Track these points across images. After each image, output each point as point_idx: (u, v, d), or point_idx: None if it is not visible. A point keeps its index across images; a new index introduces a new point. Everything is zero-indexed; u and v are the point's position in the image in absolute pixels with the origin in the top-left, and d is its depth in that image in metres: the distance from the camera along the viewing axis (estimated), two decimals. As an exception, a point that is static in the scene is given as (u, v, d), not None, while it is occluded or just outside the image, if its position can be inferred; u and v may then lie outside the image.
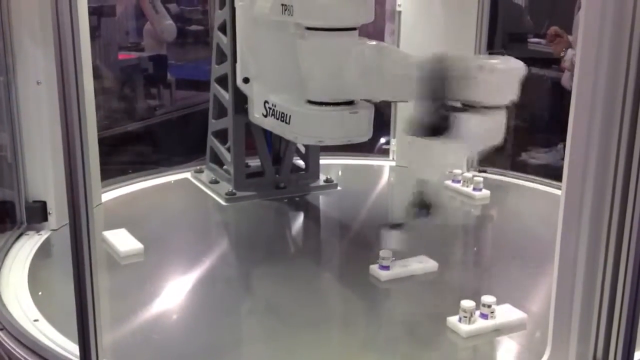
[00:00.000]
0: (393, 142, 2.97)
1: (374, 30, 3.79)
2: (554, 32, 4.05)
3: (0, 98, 2.11)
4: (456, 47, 2.64)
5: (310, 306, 1.83)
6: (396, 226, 1.99)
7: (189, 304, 1.87)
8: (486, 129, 1.86)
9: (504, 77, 1.81)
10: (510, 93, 1.80)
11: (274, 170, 2.57)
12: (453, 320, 1.66)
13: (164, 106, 5.37)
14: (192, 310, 1.84)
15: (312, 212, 2.54)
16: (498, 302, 1.72)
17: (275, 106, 2.22)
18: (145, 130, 4.95)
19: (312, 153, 2.63)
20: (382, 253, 1.91)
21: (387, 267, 1.90)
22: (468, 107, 1.84)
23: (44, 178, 2.17)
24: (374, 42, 2.07)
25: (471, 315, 1.64)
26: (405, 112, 2.85)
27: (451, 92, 1.72)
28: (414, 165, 1.82)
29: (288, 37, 2.15)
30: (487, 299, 1.67)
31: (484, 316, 1.66)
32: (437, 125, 1.71)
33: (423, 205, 1.96)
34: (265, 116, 2.29)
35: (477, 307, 1.66)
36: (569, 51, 3.91)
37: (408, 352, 1.65)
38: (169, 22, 5.46)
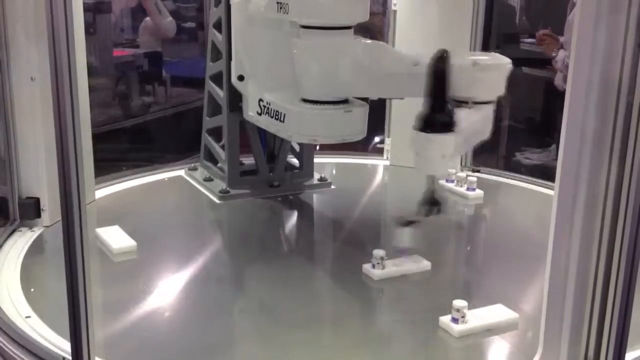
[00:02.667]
0: (387, 141, 2.98)
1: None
2: (542, 35, 4.06)
3: (-6, 94, 2.11)
4: (451, 46, 2.64)
5: (303, 305, 1.83)
6: (408, 223, 1.99)
7: (181, 301, 1.87)
8: (479, 124, 1.89)
9: (495, 73, 1.88)
10: (499, 89, 1.89)
11: (268, 168, 2.57)
12: (445, 319, 1.66)
13: (159, 103, 5.36)
14: (185, 308, 1.84)
15: (305, 211, 2.54)
16: (490, 302, 1.73)
17: (269, 104, 2.22)
18: (139, 128, 4.95)
19: (307, 152, 2.63)
20: (375, 252, 1.91)
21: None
22: (460, 103, 1.88)
23: (37, 174, 2.16)
24: (369, 41, 2.08)
25: (464, 316, 1.65)
26: (400, 112, 2.86)
27: (453, 88, 1.76)
28: (420, 163, 1.85)
29: (283, 35, 2.15)
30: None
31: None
32: (444, 121, 1.74)
33: (434, 203, 1.96)
34: (260, 114, 2.28)
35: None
36: (560, 52, 3.92)
37: (400, 351, 1.66)
38: (170, 19, 5.49)
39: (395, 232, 2.18)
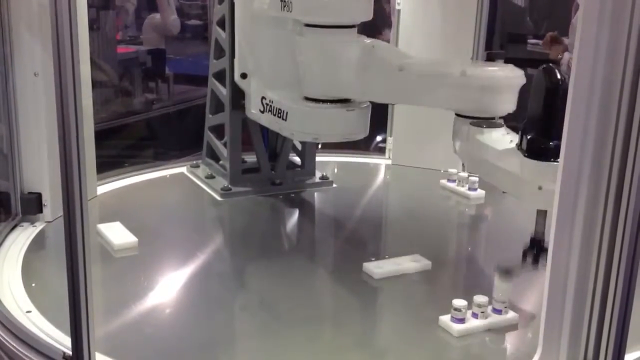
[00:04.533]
0: (389, 140, 2.98)
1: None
2: (549, 39, 4.07)
3: (-3, 89, 2.11)
4: (455, 46, 2.64)
5: (304, 303, 1.83)
6: (509, 272, 1.73)
7: (182, 298, 1.87)
8: None
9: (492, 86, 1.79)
10: (505, 104, 1.80)
11: (270, 166, 2.57)
12: (445, 319, 1.66)
13: (162, 100, 5.36)
14: (186, 305, 1.84)
15: (307, 209, 2.55)
16: (490, 302, 1.73)
17: (272, 102, 2.22)
18: (142, 124, 4.95)
19: (309, 150, 2.63)
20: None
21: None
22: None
23: (39, 170, 2.17)
24: (369, 40, 2.07)
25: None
26: (402, 110, 2.86)
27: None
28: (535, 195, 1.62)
29: (286, 33, 2.15)
30: (479, 298, 1.68)
31: (475, 315, 1.67)
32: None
33: (539, 247, 1.73)
34: (262, 112, 2.29)
35: (470, 307, 1.67)
36: (565, 54, 3.93)
37: (400, 350, 1.66)
38: (175, 16, 5.51)
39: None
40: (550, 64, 1.60)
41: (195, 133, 2.89)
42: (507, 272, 1.70)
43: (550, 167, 1.53)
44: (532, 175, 1.60)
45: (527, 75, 1.81)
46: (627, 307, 1.27)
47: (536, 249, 1.75)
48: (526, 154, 1.60)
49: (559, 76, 1.56)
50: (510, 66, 1.81)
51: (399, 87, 1.93)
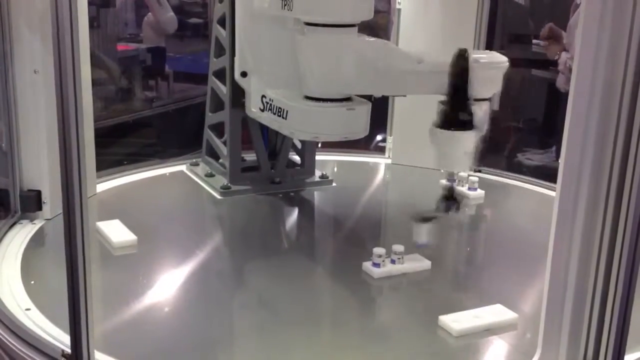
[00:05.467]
0: (389, 139, 2.97)
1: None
2: (548, 30, 4.06)
3: (-3, 86, 2.11)
4: (455, 46, 2.64)
5: (303, 302, 1.83)
6: (426, 219, 1.99)
7: (181, 296, 1.87)
8: (480, 121, 1.92)
9: (493, 71, 1.98)
10: (497, 86, 1.99)
11: (270, 165, 2.57)
12: (444, 319, 1.66)
13: (161, 98, 5.36)
14: (185, 303, 1.84)
15: (306, 208, 2.55)
16: (490, 302, 1.73)
17: (272, 101, 2.22)
18: (142, 122, 4.95)
19: (308, 149, 2.63)
20: (375, 250, 1.91)
21: (379, 265, 1.91)
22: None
23: (39, 167, 2.17)
24: (372, 39, 2.08)
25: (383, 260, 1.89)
26: (402, 110, 2.86)
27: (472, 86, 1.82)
28: (442, 160, 1.94)
29: (287, 32, 2.15)
30: (397, 247, 1.91)
31: (393, 262, 1.90)
32: (466, 119, 1.82)
33: (453, 199, 1.99)
34: (263, 111, 2.29)
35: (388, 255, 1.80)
36: (563, 54, 3.92)
37: (399, 349, 1.66)
38: (171, 14, 5.49)
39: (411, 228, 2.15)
40: (462, 49, 1.85)
41: (195, 131, 2.89)
42: (421, 219, 1.98)
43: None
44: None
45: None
46: (627, 307, 1.28)
47: (448, 200, 2.01)
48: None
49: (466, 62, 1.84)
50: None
51: (415, 79, 2.02)
